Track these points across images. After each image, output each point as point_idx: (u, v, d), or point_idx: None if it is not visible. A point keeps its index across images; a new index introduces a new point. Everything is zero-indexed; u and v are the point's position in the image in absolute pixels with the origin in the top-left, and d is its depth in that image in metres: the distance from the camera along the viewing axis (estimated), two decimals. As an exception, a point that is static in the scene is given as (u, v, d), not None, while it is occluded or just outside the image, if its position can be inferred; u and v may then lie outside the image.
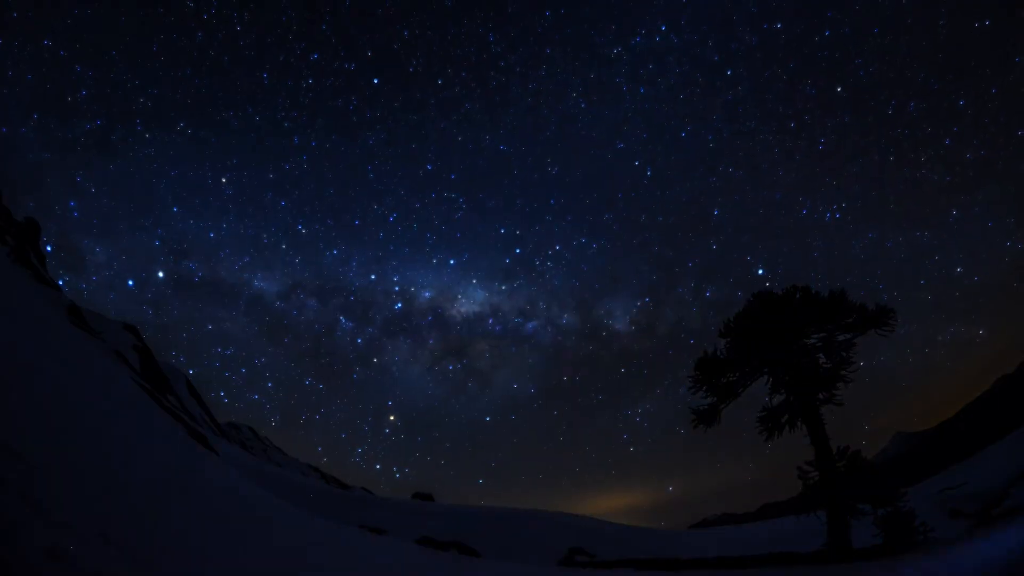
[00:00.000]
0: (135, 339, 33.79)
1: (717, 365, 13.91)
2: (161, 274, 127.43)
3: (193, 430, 20.01)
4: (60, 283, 31.67)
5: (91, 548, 3.26)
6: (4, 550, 2.59)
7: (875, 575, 9.27)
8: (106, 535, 3.59)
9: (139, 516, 4.58)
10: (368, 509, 22.12)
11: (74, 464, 4.67)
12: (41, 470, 3.91)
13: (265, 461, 42.87)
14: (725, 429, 14.49)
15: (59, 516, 3.36)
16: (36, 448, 4.30)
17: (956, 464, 32.23)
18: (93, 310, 32.50)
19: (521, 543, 19.76)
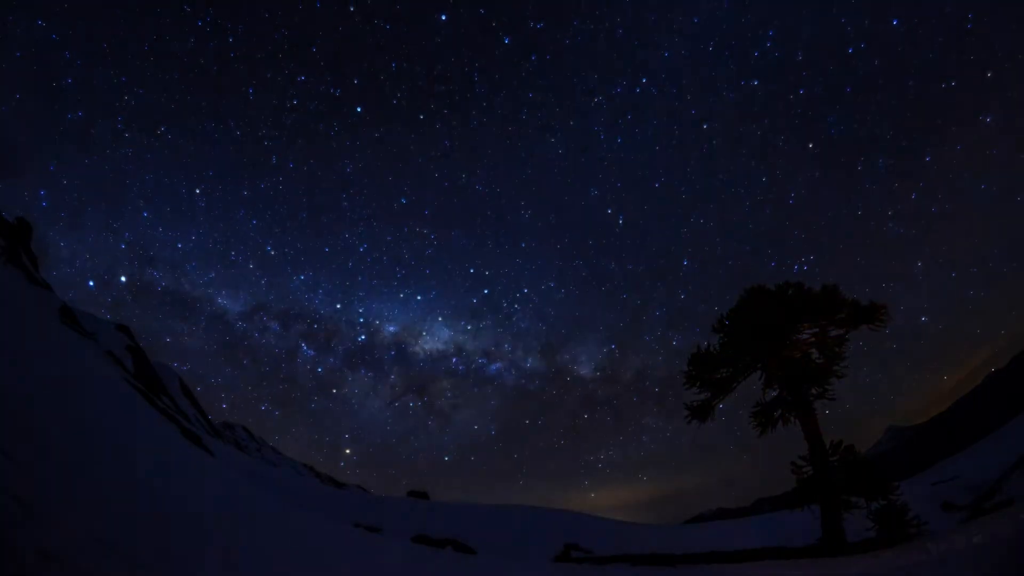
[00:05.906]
0: (128, 339, 33.54)
1: (710, 360, 13.96)
2: (123, 279, 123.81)
3: (187, 430, 19.94)
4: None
5: (84, 549, 3.25)
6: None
7: (868, 568, 9.35)
8: (99, 536, 3.59)
9: (132, 517, 4.56)
10: (363, 507, 22.09)
11: (66, 466, 4.64)
12: (34, 471, 3.89)
13: (259, 460, 42.78)
14: (720, 430, 14.58)
15: (52, 517, 3.35)
16: (28, 449, 4.28)
17: (949, 457, 32.53)
18: (86, 311, 32.26)
19: (517, 539, 19.80)
